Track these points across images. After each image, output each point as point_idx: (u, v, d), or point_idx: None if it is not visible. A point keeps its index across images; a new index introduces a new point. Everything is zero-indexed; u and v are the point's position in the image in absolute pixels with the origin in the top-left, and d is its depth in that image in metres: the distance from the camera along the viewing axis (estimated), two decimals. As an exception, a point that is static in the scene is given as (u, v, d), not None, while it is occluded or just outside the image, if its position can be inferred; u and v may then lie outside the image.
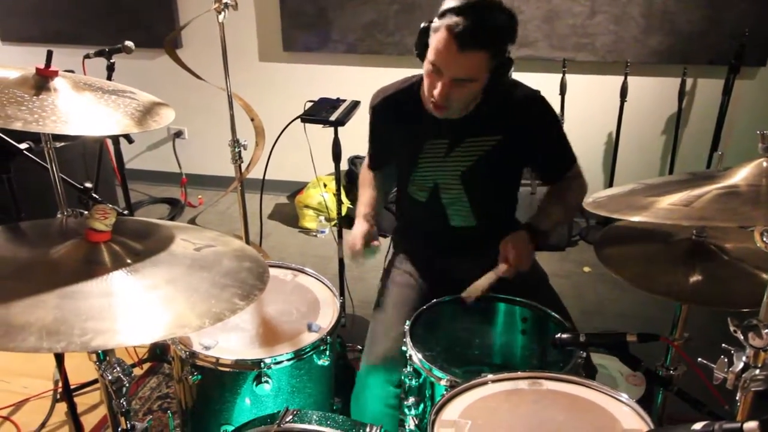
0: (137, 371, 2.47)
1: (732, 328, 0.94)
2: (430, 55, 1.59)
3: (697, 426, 0.78)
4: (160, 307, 1.05)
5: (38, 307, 0.97)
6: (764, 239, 0.88)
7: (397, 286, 1.87)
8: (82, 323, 0.96)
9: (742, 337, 0.94)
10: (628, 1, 3.27)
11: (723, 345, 1.00)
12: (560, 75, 3.42)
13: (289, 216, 3.89)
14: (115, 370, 1.22)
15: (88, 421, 2.24)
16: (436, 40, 1.57)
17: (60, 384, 2.32)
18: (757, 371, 0.93)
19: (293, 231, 3.76)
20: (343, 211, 2.74)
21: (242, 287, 1.16)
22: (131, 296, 1.06)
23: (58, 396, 2.31)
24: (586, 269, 3.30)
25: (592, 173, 3.75)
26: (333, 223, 3.57)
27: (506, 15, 1.58)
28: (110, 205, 1.21)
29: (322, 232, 3.69)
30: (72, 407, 1.99)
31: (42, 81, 1.28)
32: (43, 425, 2.23)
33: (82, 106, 1.28)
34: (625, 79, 3.37)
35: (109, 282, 1.08)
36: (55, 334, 0.92)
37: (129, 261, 1.14)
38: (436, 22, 1.56)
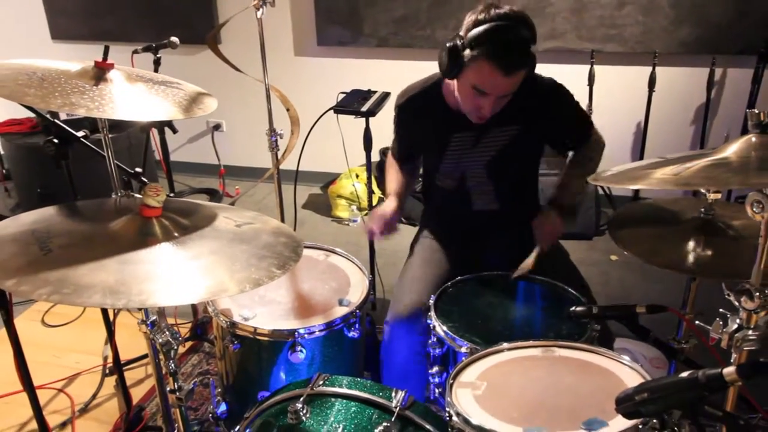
0: (180, 350, 2.63)
1: (726, 292, 1.02)
2: (474, 80, 1.65)
3: (684, 374, 0.87)
4: (205, 273, 1.17)
5: (101, 270, 1.10)
6: (754, 209, 0.96)
7: (423, 250, 2.00)
8: (138, 285, 1.09)
9: (735, 301, 1.01)
10: (657, -9, 3.30)
11: (720, 310, 1.08)
12: (588, 66, 3.46)
13: (322, 205, 4.02)
14: (165, 334, 1.36)
15: (135, 393, 2.38)
16: (477, 69, 1.63)
17: (109, 360, 2.49)
18: (750, 332, 1.01)
19: (326, 220, 3.89)
20: (374, 201, 2.84)
21: (279, 258, 1.28)
22: (180, 264, 1.19)
23: (107, 371, 2.48)
24: (614, 257, 3.35)
25: (620, 163, 3.79)
26: (365, 212, 3.69)
27: (528, 23, 1.64)
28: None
29: (354, 220, 3.81)
30: (121, 377, 2.15)
31: (100, 72, 1.41)
32: (93, 397, 2.39)
33: (136, 95, 1.41)
34: (653, 69, 3.40)
35: (160, 251, 1.20)
36: (116, 293, 1.05)
37: (177, 234, 1.26)
38: (469, 53, 1.61)
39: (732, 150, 0.97)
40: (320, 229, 3.77)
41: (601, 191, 3.58)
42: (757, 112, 0.96)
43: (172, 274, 1.15)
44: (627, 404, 0.94)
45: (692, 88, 3.48)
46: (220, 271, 1.18)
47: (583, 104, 3.56)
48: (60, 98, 1.27)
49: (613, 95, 3.60)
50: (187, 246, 1.24)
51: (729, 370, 0.82)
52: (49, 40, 4.39)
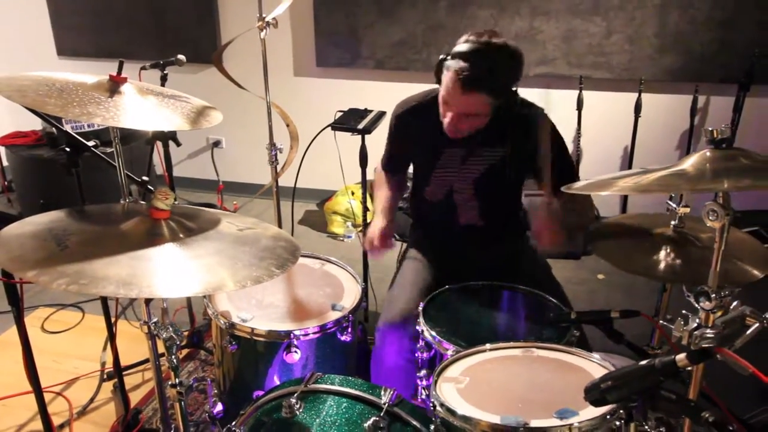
0: (177, 356, 2.70)
1: (686, 294, 1.12)
2: (442, 89, 1.82)
3: (643, 362, 0.96)
4: (209, 270, 1.27)
5: (114, 265, 1.19)
6: (710, 217, 1.06)
7: (412, 262, 2.09)
8: (148, 278, 1.18)
9: (694, 302, 1.11)
10: (643, 22, 3.44)
11: (683, 311, 1.17)
12: (577, 91, 3.60)
13: (318, 222, 4.11)
14: (168, 330, 1.44)
15: (133, 398, 2.44)
16: (446, 78, 1.79)
17: (106, 365, 2.56)
18: (708, 330, 1.10)
19: (322, 236, 3.98)
20: (369, 218, 2.93)
21: (278, 259, 1.37)
22: (186, 262, 1.28)
23: (105, 376, 2.55)
24: (600, 276, 3.44)
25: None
26: (359, 228, 3.78)
27: (510, 59, 1.76)
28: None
29: (349, 236, 3.90)
30: (120, 380, 2.22)
31: (114, 85, 1.51)
32: (91, 401, 2.46)
33: (148, 106, 1.51)
34: (639, 95, 3.54)
35: (168, 250, 1.29)
36: (128, 284, 1.14)
37: (183, 236, 1.36)
38: (448, 62, 1.77)
39: (689, 163, 1.09)
40: (316, 244, 3.86)
41: (588, 212, 3.69)
42: (710, 129, 1.07)
43: (178, 270, 1.24)
44: (594, 392, 1.03)
45: (677, 114, 3.61)
46: (223, 268, 1.28)
47: (572, 128, 3.72)
48: (78, 108, 1.37)
49: (601, 120, 3.73)
50: (192, 246, 1.33)
51: (680, 357, 0.92)
52: (55, 57, 4.51)
